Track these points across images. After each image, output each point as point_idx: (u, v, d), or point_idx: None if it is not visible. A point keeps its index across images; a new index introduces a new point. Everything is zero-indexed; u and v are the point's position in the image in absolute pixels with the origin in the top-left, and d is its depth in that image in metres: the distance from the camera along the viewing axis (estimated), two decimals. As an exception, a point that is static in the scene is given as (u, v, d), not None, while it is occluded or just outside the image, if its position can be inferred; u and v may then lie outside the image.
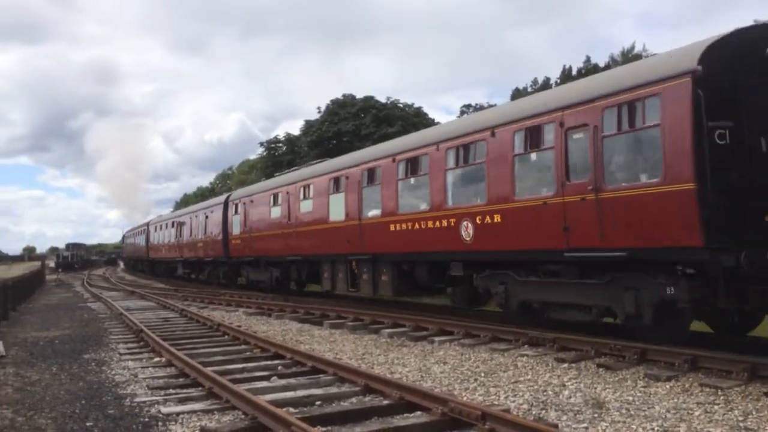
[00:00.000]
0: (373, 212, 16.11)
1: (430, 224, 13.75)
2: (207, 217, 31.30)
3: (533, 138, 11.12)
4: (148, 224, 50.89)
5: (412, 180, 14.68)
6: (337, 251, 17.77)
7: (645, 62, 11.36)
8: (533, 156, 11.26)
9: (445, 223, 13.25)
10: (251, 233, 24.71)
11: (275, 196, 22.62)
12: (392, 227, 15.05)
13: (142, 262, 54.40)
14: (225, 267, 29.69)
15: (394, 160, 15.22)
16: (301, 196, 20.23)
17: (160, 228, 43.98)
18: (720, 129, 8.38)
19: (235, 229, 26.76)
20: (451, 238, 12.97)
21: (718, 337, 10.20)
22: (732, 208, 8.41)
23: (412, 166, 14.59)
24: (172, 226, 39.59)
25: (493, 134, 11.95)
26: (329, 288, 19.22)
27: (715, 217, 8.34)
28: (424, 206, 14.03)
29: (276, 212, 22.37)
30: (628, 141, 9.63)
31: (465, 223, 12.62)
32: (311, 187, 19.60)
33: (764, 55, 8.10)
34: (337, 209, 17.67)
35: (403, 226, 14.66)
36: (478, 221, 12.27)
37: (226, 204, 28.58)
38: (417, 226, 14.18)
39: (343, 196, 17.41)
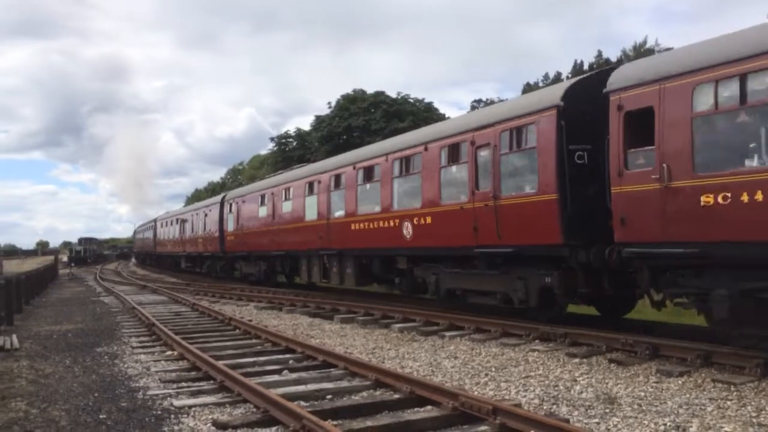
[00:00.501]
0: (339, 213, 18.32)
1: (381, 224, 15.97)
2: (206, 215, 33.53)
3: (453, 153, 13.37)
4: (155, 221, 53.25)
5: (368, 186, 16.87)
6: (310, 247, 20.10)
7: (531, 95, 13.81)
8: (453, 168, 13.46)
9: (392, 223, 15.42)
10: (243, 230, 27.08)
11: (263, 197, 24.91)
12: (353, 226, 17.30)
13: (150, 257, 57.10)
14: (222, 261, 31.78)
15: (354, 168, 17.49)
16: (283, 197, 22.67)
17: (166, 224, 46.30)
18: (579, 151, 10.72)
19: (230, 227, 28.98)
20: (396, 236, 15.11)
21: (603, 318, 12.17)
22: (585, 214, 10.49)
23: (368, 173, 16.79)
24: (176, 222, 41.85)
25: (426, 149, 14.18)
26: (306, 279, 21.56)
27: (572, 221, 10.56)
28: (377, 209, 16.15)
29: (263, 212, 24.64)
30: (516, 158, 11.84)
31: (406, 223, 14.80)
32: (291, 189, 22.07)
33: (605, 91, 9.86)
34: (311, 210, 20.14)
35: (362, 225, 16.88)
36: (415, 222, 14.49)
37: (222, 203, 30.80)
38: (372, 225, 16.38)
39: (315, 198, 19.79)
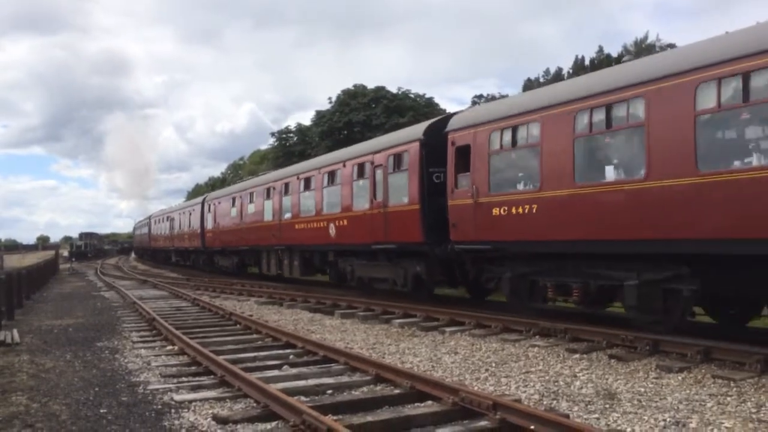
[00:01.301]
0: (287, 215, 22.26)
1: (315, 225, 19.69)
2: (190, 213, 37.50)
3: (361, 170, 17.00)
4: (150, 217, 57.63)
5: (307, 193, 20.69)
6: (269, 243, 23.90)
7: (407, 129, 17.06)
8: (361, 182, 17.03)
9: (322, 224, 19.05)
10: (219, 228, 31.26)
11: (233, 200, 29.01)
12: (296, 226, 21.24)
13: (147, 251, 61.34)
14: (203, 255, 35.84)
15: (298, 178, 21.33)
16: (249, 200, 26.76)
17: (159, 221, 50.54)
18: (436, 173, 14.22)
19: (209, 225, 33.12)
20: (326, 235, 18.74)
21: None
22: (438, 220, 13.71)
23: (307, 183, 20.66)
24: (167, 220, 45.90)
25: (344, 165, 18.03)
26: (266, 271, 25.45)
27: (429, 225, 14.08)
28: (313, 212, 19.96)
29: (234, 212, 28.77)
30: (398, 177, 15.36)
31: (331, 224, 18.41)
32: (254, 193, 26.20)
33: (444, 133, 13.74)
34: (269, 212, 24.11)
35: (303, 225, 20.76)
36: (337, 224, 18.12)
37: (203, 204, 35.01)
38: (309, 225, 20.22)
39: (271, 202, 23.81)
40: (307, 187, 20.59)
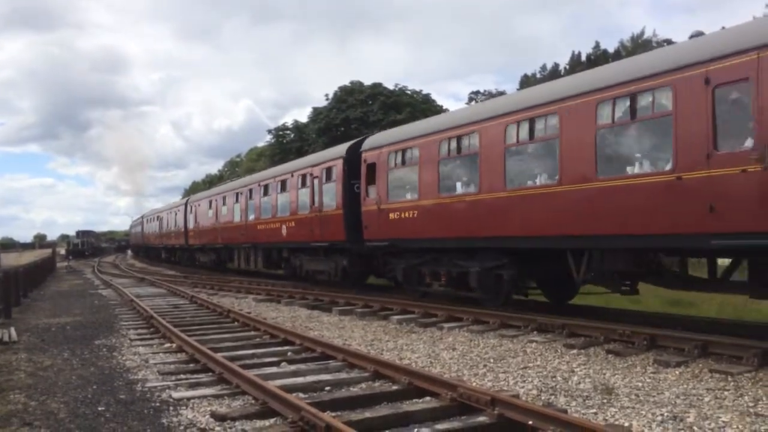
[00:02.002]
0: (252, 216, 25.74)
1: (272, 226, 23.13)
2: (176, 214, 41.10)
3: (304, 180, 20.57)
4: (143, 217, 61.42)
5: (266, 198, 24.11)
6: (238, 241, 27.51)
7: (335, 148, 20.25)
8: (304, 190, 20.47)
9: (277, 225, 22.58)
10: (199, 228, 34.81)
11: (210, 202, 32.75)
12: (258, 227, 24.82)
13: (141, 249, 64.70)
14: (187, 252, 39.53)
15: (259, 185, 25.00)
16: (221, 203, 30.47)
17: (150, 221, 54.30)
18: (356, 184, 17.30)
19: (191, 224, 36.72)
20: (280, 234, 22.28)
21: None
22: (356, 223, 16.97)
23: (266, 189, 24.21)
24: (157, 219, 49.50)
25: (292, 175, 21.66)
26: (238, 266, 29.19)
27: (350, 227, 17.35)
28: (270, 215, 23.53)
29: (210, 214, 32.39)
30: (329, 186, 18.80)
31: (283, 225, 21.96)
32: (226, 197, 29.88)
33: (358, 152, 17.24)
34: (238, 213, 27.81)
35: (263, 226, 24.20)
36: (287, 225, 21.66)
37: (186, 205, 38.81)
38: (268, 226, 23.59)
39: (239, 205, 27.52)
40: (266, 193, 24.24)
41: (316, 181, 19.47)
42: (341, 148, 18.78)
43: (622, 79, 9.93)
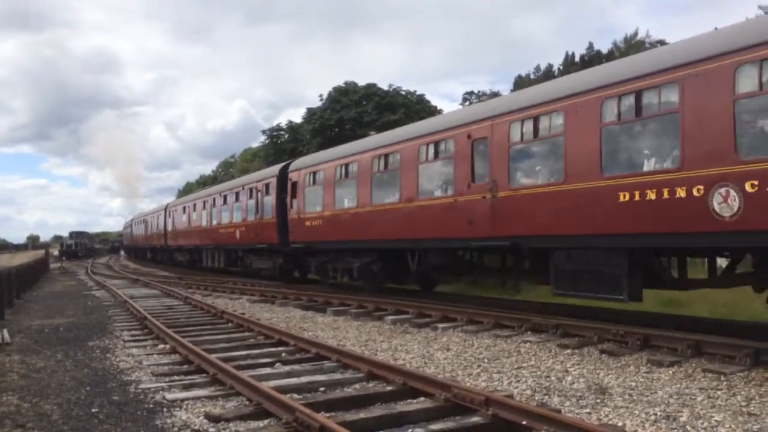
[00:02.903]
0: (215, 222, 30.45)
1: (230, 230, 27.81)
2: (158, 218, 45.90)
3: (251, 193, 24.99)
4: (132, 219, 67.60)
5: (225, 206, 28.85)
6: (205, 243, 32.44)
7: (271, 168, 25.41)
8: (251, 201, 24.95)
9: (233, 229, 27.34)
10: (175, 231, 39.61)
11: (184, 208, 37.55)
12: (220, 230, 29.39)
13: (131, 249, 69.64)
14: (166, 252, 44.13)
15: (220, 195, 29.98)
16: (193, 209, 35.12)
17: (137, 223, 60.22)
18: (284, 198, 21.35)
19: (169, 228, 41.36)
20: (234, 237, 27.05)
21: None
22: (285, 228, 21.03)
23: (225, 199, 28.97)
24: (143, 222, 54.87)
25: (243, 188, 26.38)
26: (206, 264, 33.10)
27: (281, 231, 21.46)
28: (227, 220, 28.44)
29: (184, 218, 36.90)
30: (268, 198, 22.98)
31: (237, 230, 26.62)
32: (196, 204, 34.60)
33: (286, 172, 21.63)
34: (204, 219, 32.27)
35: (223, 230, 28.90)
36: (240, 230, 26.30)
37: (165, 210, 43.54)
38: (227, 230, 28.30)
39: (206, 211, 32.01)
40: (225, 202, 28.93)
41: (259, 194, 24.09)
42: (276, 168, 23.61)
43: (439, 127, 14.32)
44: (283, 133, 46.59)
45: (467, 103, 41.16)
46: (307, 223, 19.70)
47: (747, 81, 8.13)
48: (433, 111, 38.14)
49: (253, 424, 5.93)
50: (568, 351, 9.05)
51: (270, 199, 22.70)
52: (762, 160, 7.86)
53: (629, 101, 9.57)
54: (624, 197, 9.51)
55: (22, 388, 7.74)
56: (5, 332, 12.08)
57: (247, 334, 11.31)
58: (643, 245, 9.54)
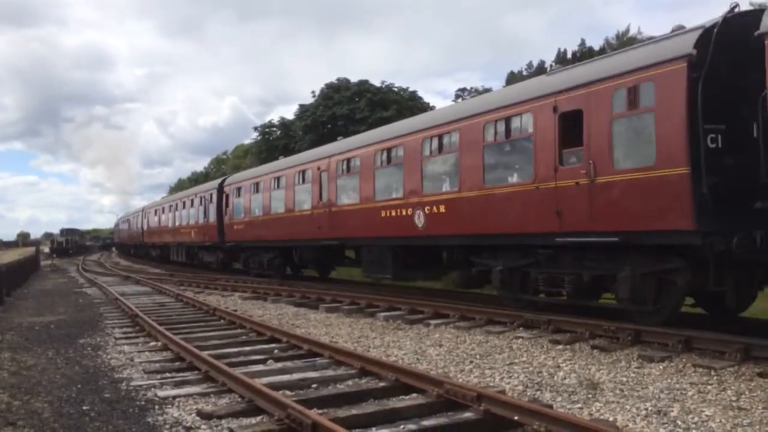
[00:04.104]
0: (177, 223, 36.31)
1: (187, 230, 33.74)
2: (138, 218, 52.64)
3: (201, 200, 30.90)
4: (119, 219, 75.43)
5: (183, 211, 34.77)
6: (172, 241, 38.43)
7: (210, 183, 32.41)
8: (201, 207, 30.61)
9: (189, 230, 33.30)
10: (150, 229, 46.48)
11: (155, 210, 44.54)
12: (181, 230, 35.28)
13: (118, 246, 76.13)
14: (144, 249, 51.32)
15: (181, 200, 35.85)
16: (162, 212, 41.78)
17: (123, 222, 67.99)
18: (222, 206, 27.96)
19: (146, 227, 48.05)
20: (191, 236, 32.96)
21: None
22: (223, 230, 27.59)
23: (183, 204, 34.71)
24: (126, 222, 62.90)
25: (196, 196, 32.08)
26: (172, 258, 39.01)
27: (221, 232, 27.70)
28: (185, 222, 34.08)
29: (156, 219, 43.64)
30: (211, 206, 29.08)
31: (192, 231, 32.51)
32: (165, 207, 41.22)
33: (223, 186, 28.66)
34: (170, 220, 38.44)
35: (183, 230, 34.67)
36: (194, 230, 32.12)
37: (143, 211, 50.67)
38: (185, 231, 34.20)
39: (172, 214, 37.98)
40: (184, 207, 35.11)
41: (206, 202, 30.15)
42: (216, 183, 30.29)
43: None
44: (275, 129, 46.52)
45: (459, 99, 41.14)
46: (235, 227, 26.10)
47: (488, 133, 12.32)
48: (425, 108, 38.11)
49: (246, 421, 5.91)
50: (560, 347, 9.08)
51: (213, 207, 28.86)
52: (429, 195, 13.85)
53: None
54: (384, 213, 15.40)
55: (13, 385, 7.70)
56: (-5, 330, 12.00)
57: (239, 331, 11.29)
58: (392, 244, 15.53)
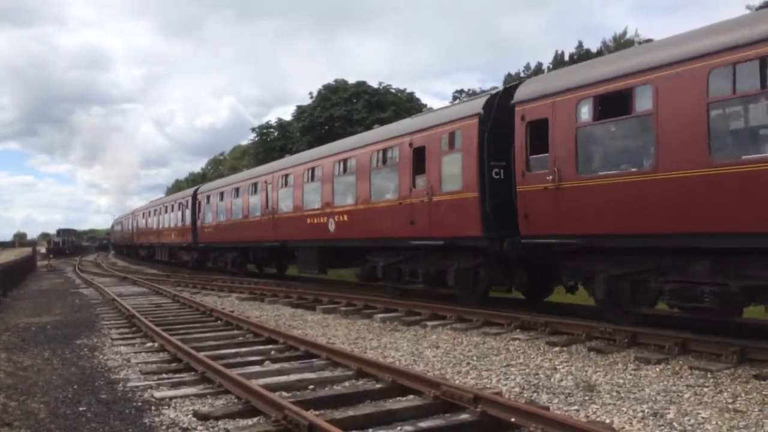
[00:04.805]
0: (162, 225, 39.87)
1: (168, 233, 37.82)
2: (130, 220, 56.90)
3: (180, 206, 35.05)
4: (114, 220, 78.75)
5: (165, 215, 38.60)
6: (156, 242, 42.60)
7: (189, 190, 37.25)
8: (180, 212, 34.75)
9: (169, 232, 37.50)
10: (138, 230, 50.79)
11: (143, 213, 48.42)
12: (164, 232, 39.18)
13: (114, 246, 78.58)
14: (134, 249, 55.73)
15: (164, 205, 39.79)
16: (149, 215, 45.30)
17: (117, 224, 72.08)
18: (196, 211, 32.19)
19: (135, 228, 52.27)
20: (171, 238, 37.18)
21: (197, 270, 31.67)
22: (197, 232, 31.77)
23: (165, 209, 38.49)
24: (120, 224, 67.42)
25: (175, 201, 36.78)
26: (157, 258, 43.05)
27: (194, 235, 32.06)
28: (167, 225, 37.99)
29: (143, 222, 47.60)
30: (187, 211, 33.15)
31: (172, 233, 36.59)
32: (150, 211, 45.08)
33: (196, 193, 33.32)
34: (155, 223, 42.13)
35: (166, 232, 38.42)
36: (173, 233, 36.39)
37: (132, 214, 55.72)
38: (167, 233, 38.16)
39: (156, 218, 41.66)
40: (165, 211, 38.89)
41: (183, 208, 33.86)
42: (191, 190, 34.53)
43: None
44: (272, 130, 46.56)
45: (456, 101, 41.16)
46: (206, 230, 30.14)
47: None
48: (422, 109, 38.11)
49: (242, 422, 5.91)
50: (557, 349, 9.09)
51: (189, 212, 32.65)
52: (338, 207, 17.37)
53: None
54: (310, 220, 18.93)
55: (9, 386, 7.68)
56: (-8, 330, 11.97)
57: (236, 332, 11.28)
58: (316, 246, 19.06)
